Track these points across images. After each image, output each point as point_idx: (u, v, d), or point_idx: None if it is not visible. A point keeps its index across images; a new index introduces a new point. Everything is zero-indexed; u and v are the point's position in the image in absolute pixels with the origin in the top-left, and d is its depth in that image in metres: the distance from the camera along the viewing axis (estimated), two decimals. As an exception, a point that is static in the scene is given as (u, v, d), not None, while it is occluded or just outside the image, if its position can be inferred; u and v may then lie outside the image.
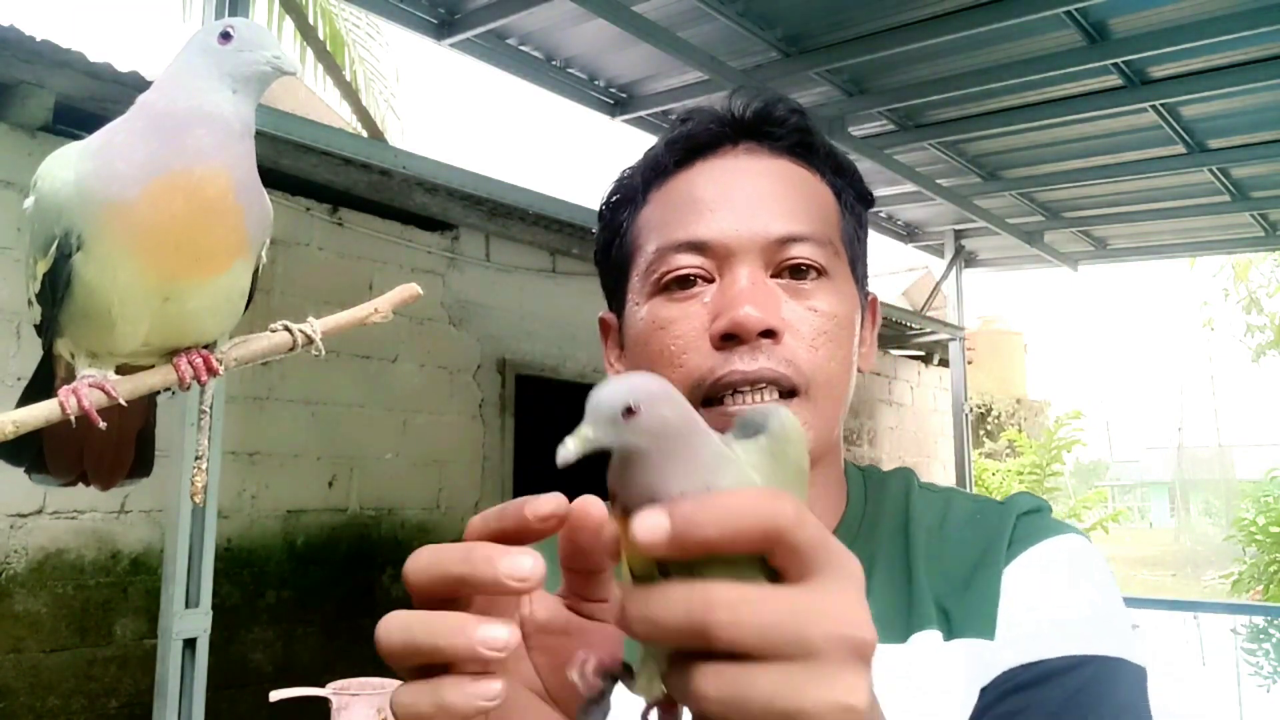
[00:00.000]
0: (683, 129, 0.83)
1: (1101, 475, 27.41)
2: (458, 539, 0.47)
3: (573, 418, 0.43)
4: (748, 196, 0.79)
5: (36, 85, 3.22)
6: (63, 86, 3.25)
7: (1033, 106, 4.65)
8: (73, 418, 0.42)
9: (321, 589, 4.29)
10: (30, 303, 0.47)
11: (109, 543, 3.66)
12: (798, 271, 0.78)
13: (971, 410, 8.68)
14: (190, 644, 2.75)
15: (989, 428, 13.18)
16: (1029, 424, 13.70)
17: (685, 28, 3.91)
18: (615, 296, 0.87)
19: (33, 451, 0.52)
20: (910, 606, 0.76)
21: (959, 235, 7.11)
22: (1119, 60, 4.05)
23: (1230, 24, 3.68)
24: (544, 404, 5.29)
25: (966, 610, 0.75)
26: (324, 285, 4.30)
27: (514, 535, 0.45)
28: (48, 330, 0.47)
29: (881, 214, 6.71)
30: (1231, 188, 5.63)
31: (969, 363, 7.50)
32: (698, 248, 0.77)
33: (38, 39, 3.06)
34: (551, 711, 0.52)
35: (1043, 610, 0.74)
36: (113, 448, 0.52)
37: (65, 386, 0.43)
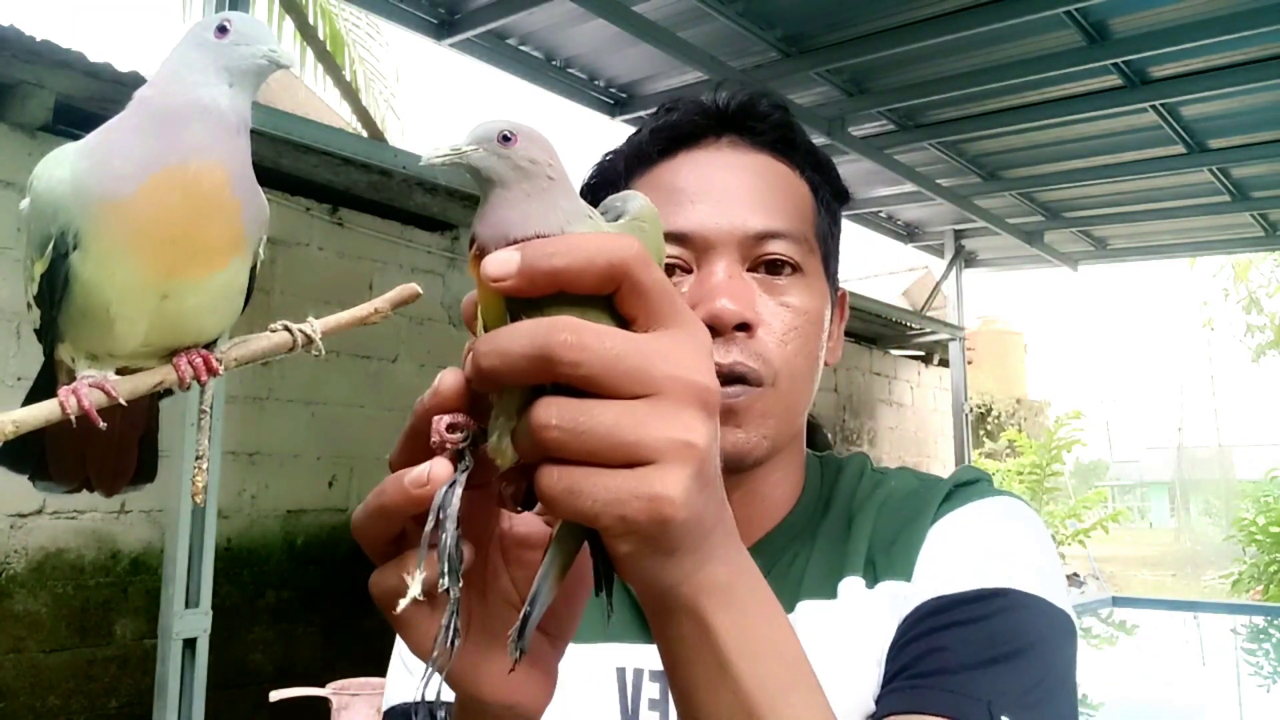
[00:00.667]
0: (668, 119, 0.85)
1: (1101, 475, 27.40)
2: None
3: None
4: (728, 190, 0.80)
5: (36, 85, 3.22)
6: (63, 86, 3.25)
7: (1033, 106, 4.66)
8: (73, 417, 0.42)
9: (321, 589, 4.29)
10: (30, 305, 0.47)
11: (109, 543, 3.66)
12: (773, 266, 0.80)
13: (971, 410, 8.68)
14: (190, 644, 2.75)
15: (989, 428, 13.18)
16: (1029, 424, 13.70)
17: (685, 28, 3.91)
18: None
19: (36, 458, 0.52)
20: (842, 563, 0.78)
21: (959, 235, 7.11)
22: (1119, 60, 4.05)
23: (1230, 24, 3.68)
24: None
25: (891, 559, 0.77)
26: (324, 285, 4.30)
27: (422, 447, 0.46)
28: (48, 335, 0.47)
29: (881, 214, 6.71)
30: (1231, 188, 5.63)
31: (969, 363, 7.51)
32: (677, 239, 0.79)
33: (38, 39, 3.06)
34: (535, 632, 0.53)
35: (960, 551, 0.76)
36: (115, 453, 0.52)
37: (65, 387, 0.43)
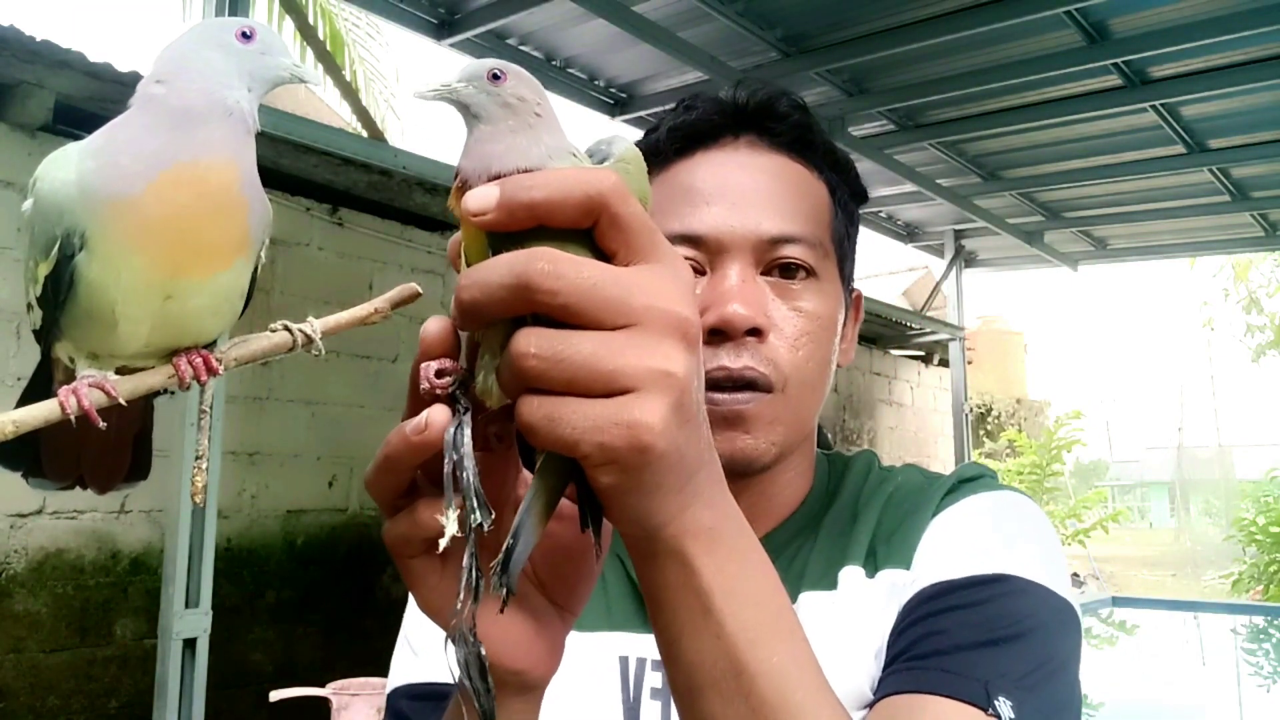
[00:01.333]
0: (685, 117, 0.84)
1: (1101, 475, 27.40)
2: None
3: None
4: (744, 193, 0.80)
5: (36, 85, 3.22)
6: (63, 86, 3.25)
7: (1033, 106, 4.65)
8: (73, 417, 0.42)
9: (321, 589, 4.29)
10: (30, 307, 0.46)
11: (109, 543, 3.66)
12: (787, 270, 0.80)
13: (971, 410, 8.68)
14: (190, 644, 2.75)
15: (989, 428, 13.17)
16: (1029, 424, 13.69)
17: (685, 28, 3.91)
18: None
19: (30, 455, 0.52)
20: (843, 554, 0.78)
21: (959, 235, 7.11)
22: (1119, 60, 4.05)
23: (1230, 24, 3.68)
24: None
25: (891, 549, 0.77)
26: (324, 285, 4.29)
27: (424, 399, 0.47)
28: (47, 334, 0.47)
29: (881, 214, 6.71)
30: (1231, 188, 5.63)
31: (969, 363, 7.50)
32: (691, 240, 0.78)
33: (38, 39, 3.06)
34: (540, 597, 0.53)
35: (960, 540, 0.75)
36: (110, 450, 0.52)
37: (65, 386, 0.42)
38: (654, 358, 0.42)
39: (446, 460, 0.43)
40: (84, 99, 3.31)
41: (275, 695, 2.91)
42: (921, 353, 9.26)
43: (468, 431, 0.44)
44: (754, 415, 0.76)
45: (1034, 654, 0.66)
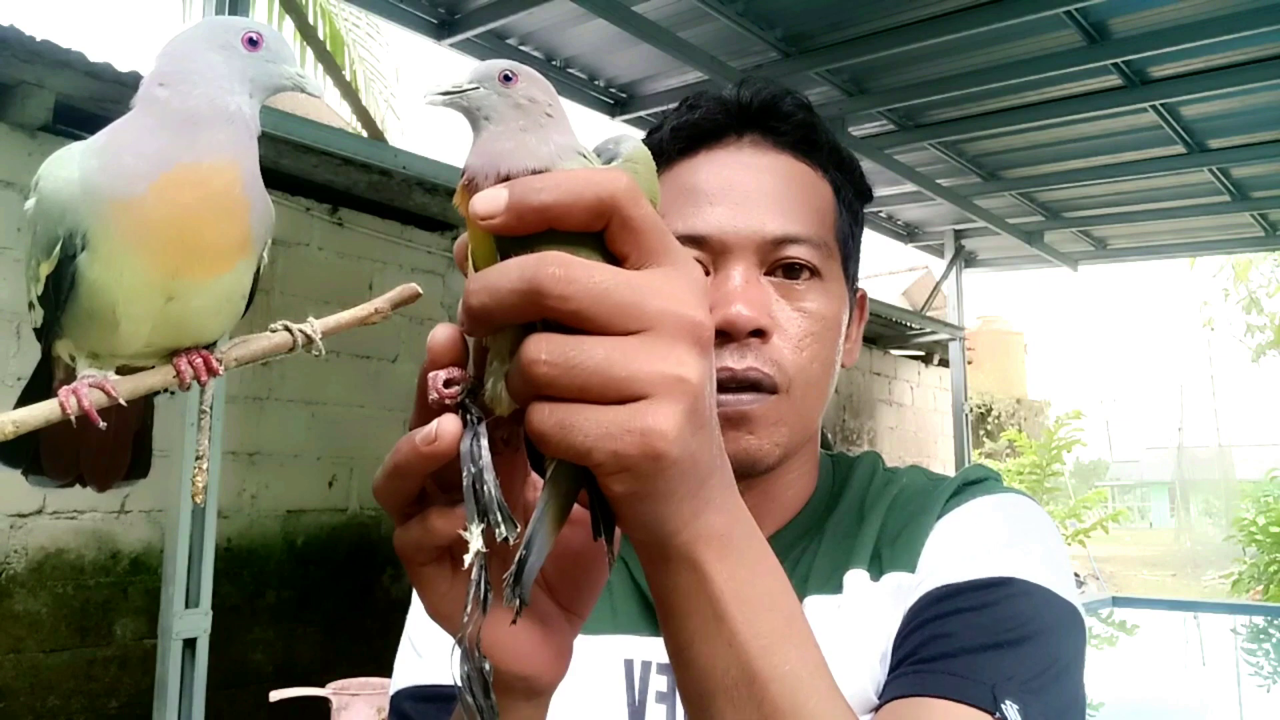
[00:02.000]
0: (689, 116, 0.83)
1: (1101, 475, 27.38)
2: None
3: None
4: (748, 193, 0.79)
5: (36, 85, 3.22)
6: (63, 86, 3.25)
7: (1033, 106, 4.65)
8: (73, 417, 0.42)
9: (321, 589, 4.29)
10: (32, 306, 0.46)
11: (109, 543, 3.66)
12: (791, 271, 0.79)
13: (971, 410, 8.68)
14: (190, 644, 2.75)
15: (989, 428, 13.17)
16: (1029, 424, 13.69)
17: (685, 28, 3.91)
18: None
19: (29, 453, 0.52)
20: (848, 557, 0.78)
21: (959, 235, 7.11)
22: (1119, 60, 4.05)
23: (1230, 24, 3.68)
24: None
25: (896, 552, 0.77)
26: (324, 285, 4.29)
27: (432, 407, 0.46)
28: (48, 333, 0.47)
29: (881, 214, 6.71)
30: (1231, 188, 5.63)
31: (969, 363, 7.50)
32: (695, 241, 0.78)
33: (38, 39, 3.06)
34: (548, 602, 0.53)
35: (965, 543, 0.75)
36: (110, 449, 0.52)
37: (65, 386, 0.42)
38: (667, 363, 0.41)
39: (465, 473, 0.43)
40: (84, 99, 3.31)
41: (275, 695, 2.91)
42: (921, 353, 9.26)
43: (484, 442, 0.43)
44: (758, 416, 0.76)
45: (1040, 657, 0.66)
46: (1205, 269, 15.94)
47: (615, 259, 0.43)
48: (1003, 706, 0.61)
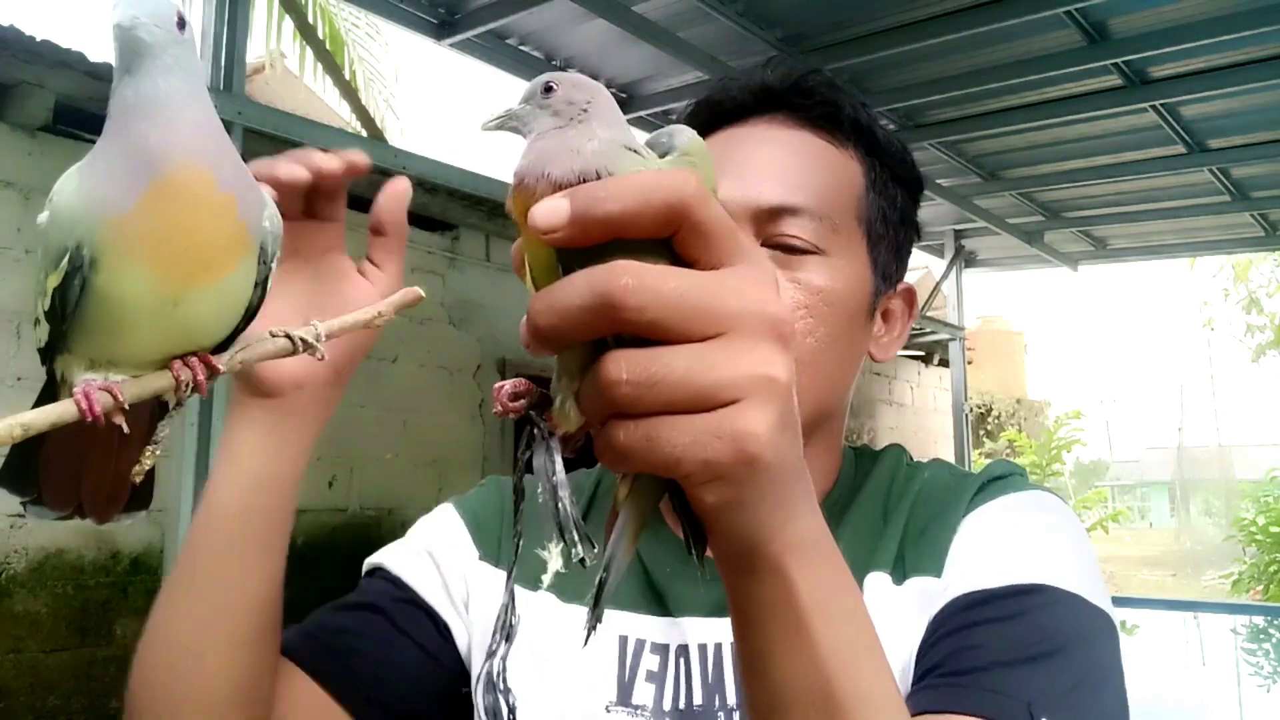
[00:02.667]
0: (715, 95, 0.83)
1: (1101, 475, 27.38)
2: None
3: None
4: (751, 164, 0.78)
5: (36, 85, 3.22)
6: (63, 86, 3.25)
7: (1033, 106, 4.65)
8: (88, 417, 0.41)
9: (321, 589, 4.29)
10: (38, 321, 0.46)
11: (109, 543, 3.66)
12: (790, 249, 0.77)
13: (971, 410, 8.68)
14: (190, 644, 2.75)
15: (989, 428, 13.17)
16: (1029, 424, 13.69)
17: (685, 28, 3.91)
18: None
19: (35, 481, 0.51)
20: (870, 559, 0.76)
21: (959, 235, 7.11)
22: (1119, 60, 4.04)
23: (1230, 24, 3.68)
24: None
25: (920, 554, 0.75)
26: (324, 285, 4.29)
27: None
28: (52, 349, 0.47)
29: (881, 214, 6.70)
30: (1231, 188, 5.63)
31: (969, 363, 7.50)
32: None
33: (38, 39, 3.06)
34: (328, 369, 0.66)
35: (993, 546, 0.73)
36: (111, 477, 0.51)
37: (76, 389, 0.42)
38: (753, 363, 0.39)
39: (540, 489, 0.41)
40: (84, 99, 3.31)
41: (275, 695, 2.90)
42: (921, 353, 9.27)
43: (558, 459, 0.42)
44: None
45: (1074, 670, 0.63)
46: (1205, 269, 15.97)
47: (680, 259, 0.41)
48: None
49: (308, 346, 0.47)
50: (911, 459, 0.87)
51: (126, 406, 0.43)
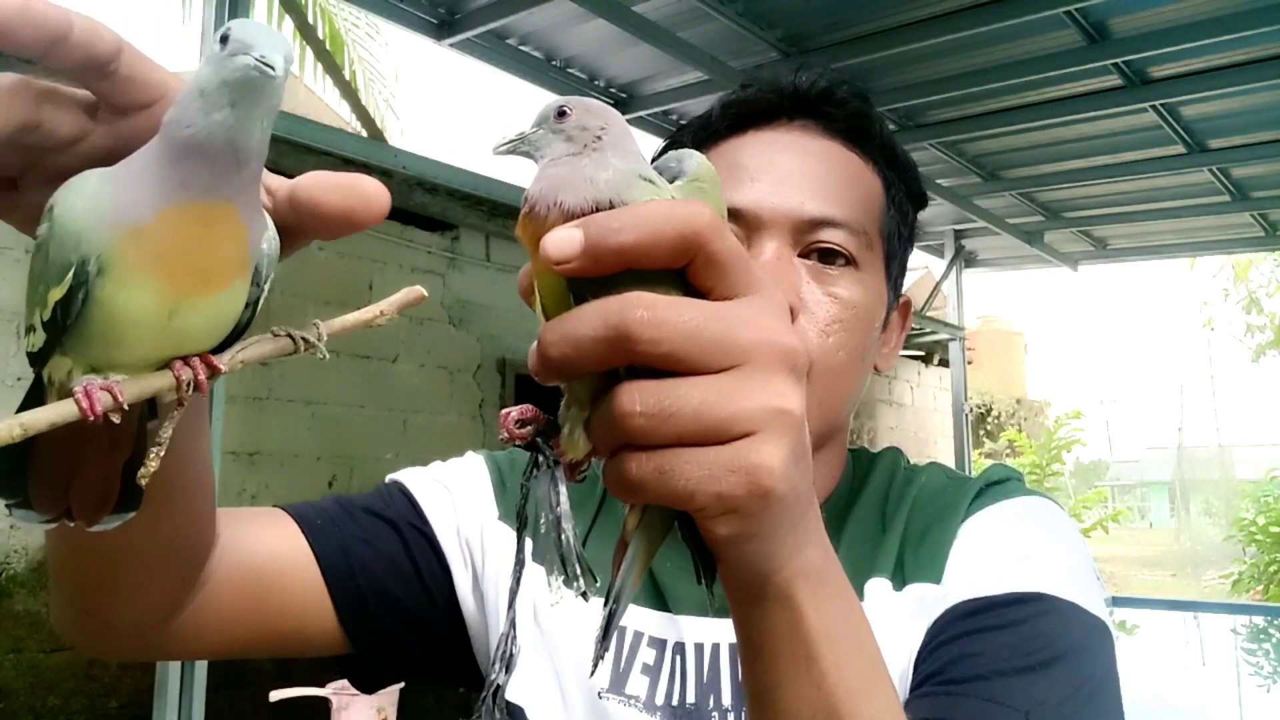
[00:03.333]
0: (741, 94, 0.83)
1: (1101, 475, 27.40)
2: None
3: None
4: (789, 172, 0.78)
5: (36, 85, 3.22)
6: (63, 86, 3.25)
7: (1033, 106, 4.65)
8: (90, 417, 0.41)
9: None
10: (32, 329, 0.46)
11: (109, 543, 3.66)
12: (826, 255, 0.78)
13: (971, 410, 8.68)
14: (190, 644, 2.75)
15: (989, 428, 13.17)
16: (1029, 424, 13.69)
17: (685, 28, 3.91)
18: None
19: (22, 484, 0.51)
20: (870, 564, 0.76)
21: (959, 235, 7.11)
22: (1119, 60, 4.05)
23: (1230, 24, 3.68)
24: (544, 403, 5.30)
25: (919, 560, 0.75)
26: (324, 285, 4.30)
27: None
28: (45, 355, 0.46)
29: (881, 214, 6.70)
30: (1231, 188, 5.63)
31: (969, 363, 7.50)
32: (731, 214, 0.77)
33: (38, 39, 3.06)
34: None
35: (992, 553, 0.73)
36: (101, 480, 0.51)
37: (77, 387, 0.42)
38: (767, 396, 0.39)
39: (542, 520, 0.41)
40: (84, 99, 3.31)
41: (275, 695, 2.91)
42: (921, 353, 9.27)
43: (563, 489, 0.42)
44: None
45: (1071, 679, 0.64)
46: (1205, 269, 15.99)
47: (693, 289, 0.41)
48: None
49: (309, 345, 0.47)
50: (908, 462, 0.88)
51: (126, 406, 0.43)
